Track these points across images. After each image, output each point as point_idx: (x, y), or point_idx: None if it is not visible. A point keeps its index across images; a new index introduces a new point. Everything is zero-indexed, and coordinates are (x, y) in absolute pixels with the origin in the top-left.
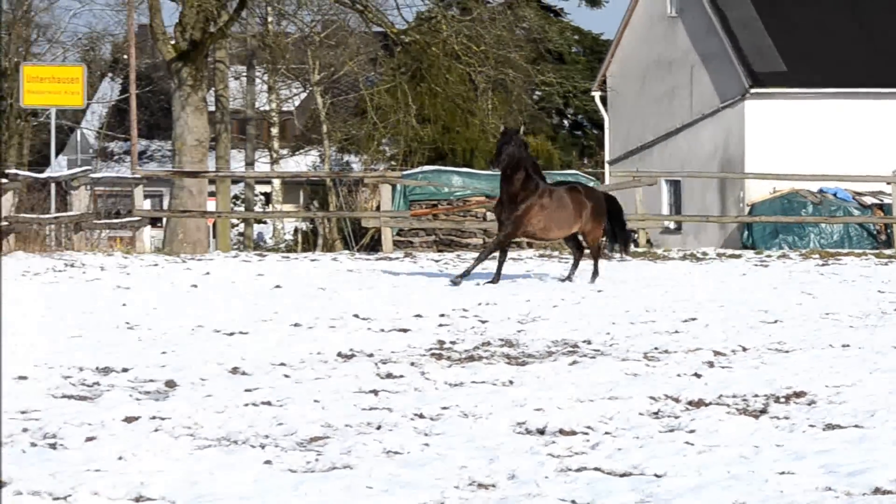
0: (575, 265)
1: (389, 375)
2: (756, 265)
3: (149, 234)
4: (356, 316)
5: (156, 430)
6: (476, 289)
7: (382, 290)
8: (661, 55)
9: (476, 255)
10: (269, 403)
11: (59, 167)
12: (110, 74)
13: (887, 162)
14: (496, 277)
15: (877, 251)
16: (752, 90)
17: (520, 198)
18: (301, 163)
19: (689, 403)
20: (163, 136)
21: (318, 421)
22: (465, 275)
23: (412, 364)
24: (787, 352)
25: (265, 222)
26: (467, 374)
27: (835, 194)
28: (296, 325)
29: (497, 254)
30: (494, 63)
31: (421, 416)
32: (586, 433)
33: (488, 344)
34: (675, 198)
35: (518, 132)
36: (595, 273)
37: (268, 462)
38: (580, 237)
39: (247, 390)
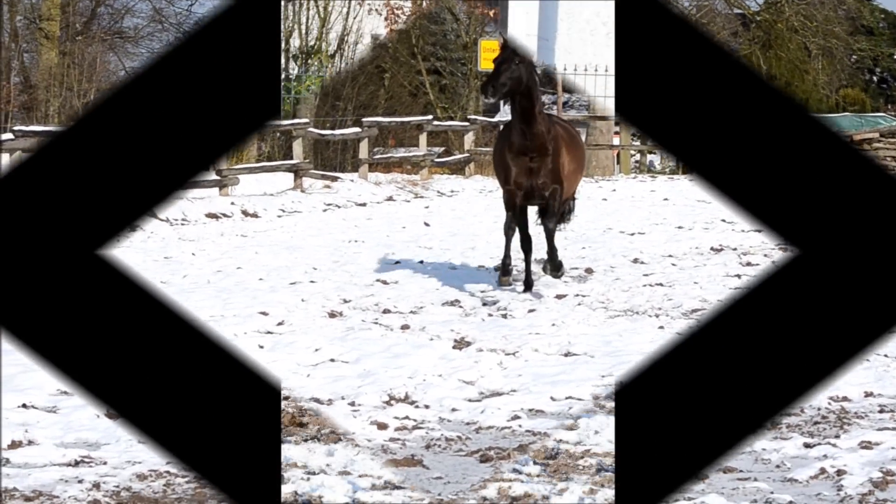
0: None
1: (749, 263)
2: None
3: None
4: (723, 220)
5: (578, 304)
6: None
7: None
8: None
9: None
10: (661, 284)
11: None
12: None
13: None
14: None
15: None
16: None
17: (546, 141)
18: None
19: None
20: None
21: (696, 297)
22: (558, 268)
23: (765, 255)
24: None
25: (655, 153)
26: None
27: None
28: (679, 227)
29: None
30: (823, 35)
31: None
32: None
33: None
34: None
35: (516, 51)
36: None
37: (661, 327)
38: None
39: (644, 275)
